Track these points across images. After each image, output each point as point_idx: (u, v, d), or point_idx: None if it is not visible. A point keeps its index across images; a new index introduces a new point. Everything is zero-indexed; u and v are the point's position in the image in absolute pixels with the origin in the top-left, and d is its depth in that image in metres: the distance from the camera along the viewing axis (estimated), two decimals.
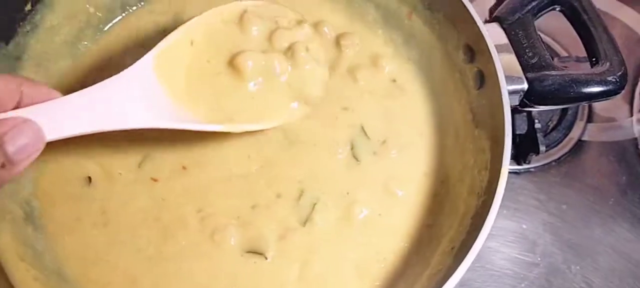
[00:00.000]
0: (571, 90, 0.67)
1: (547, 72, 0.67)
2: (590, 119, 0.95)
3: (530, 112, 0.87)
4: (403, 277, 0.67)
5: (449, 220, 0.68)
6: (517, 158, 0.90)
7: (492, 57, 0.66)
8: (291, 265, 0.67)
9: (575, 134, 0.93)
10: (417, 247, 0.69)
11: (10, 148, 0.48)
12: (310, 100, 0.72)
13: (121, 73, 0.61)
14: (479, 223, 0.60)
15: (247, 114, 0.69)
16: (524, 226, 0.87)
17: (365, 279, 0.67)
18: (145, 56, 0.64)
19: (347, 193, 0.70)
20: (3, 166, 0.48)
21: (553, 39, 0.98)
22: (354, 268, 0.67)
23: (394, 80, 0.78)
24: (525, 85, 0.67)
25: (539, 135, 0.84)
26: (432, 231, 0.69)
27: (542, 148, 0.84)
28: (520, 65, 0.68)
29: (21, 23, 0.71)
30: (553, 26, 0.93)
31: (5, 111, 0.51)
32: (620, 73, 0.67)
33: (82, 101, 0.57)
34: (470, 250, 0.58)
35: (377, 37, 0.82)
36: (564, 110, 0.94)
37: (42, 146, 0.52)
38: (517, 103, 0.69)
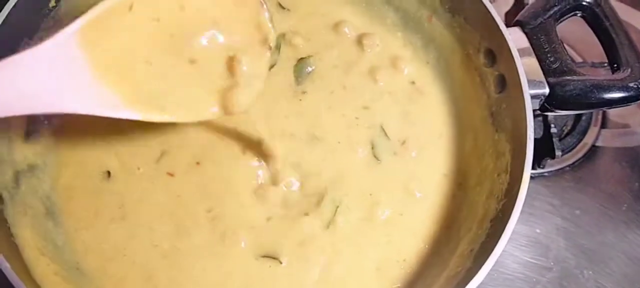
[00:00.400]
0: (593, 96, 0.67)
1: (568, 77, 0.68)
2: (604, 124, 0.95)
3: (546, 116, 0.87)
4: (421, 278, 0.67)
5: (467, 222, 0.69)
6: (531, 163, 0.90)
7: (514, 61, 0.67)
8: (311, 269, 0.67)
9: (589, 139, 0.94)
10: (436, 248, 0.69)
11: None
12: (232, 111, 0.67)
13: (36, 46, 0.55)
14: (499, 227, 0.61)
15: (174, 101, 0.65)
16: (538, 230, 0.87)
17: (385, 281, 0.67)
18: (68, 28, 0.57)
19: (370, 194, 0.71)
20: None
21: (567, 45, 0.98)
22: (374, 269, 0.67)
23: (413, 83, 0.79)
24: (546, 90, 0.67)
25: (555, 140, 0.84)
26: (450, 233, 0.70)
27: (558, 153, 0.84)
28: (542, 69, 0.68)
29: (44, 19, 0.71)
30: (567, 32, 0.93)
31: None
32: None
33: None
34: (491, 254, 0.58)
35: (397, 39, 0.82)
36: (578, 116, 0.94)
37: None
38: (538, 107, 0.69)
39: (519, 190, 0.61)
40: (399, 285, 0.67)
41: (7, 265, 0.55)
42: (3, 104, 0.52)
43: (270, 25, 0.66)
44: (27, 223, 0.65)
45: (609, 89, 0.67)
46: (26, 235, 0.64)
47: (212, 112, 0.66)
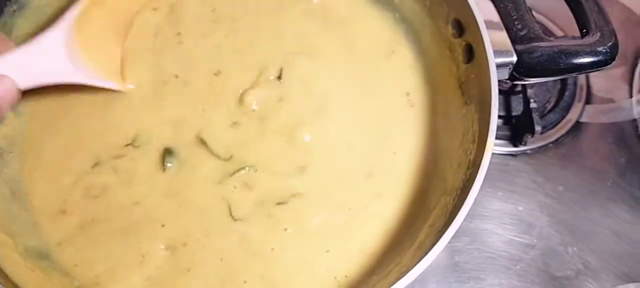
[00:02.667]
0: (561, 61, 0.66)
1: (536, 44, 0.67)
2: (588, 100, 0.94)
3: (526, 92, 0.86)
4: (392, 250, 0.67)
5: (436, 194, 0.68)
6: (513, 140, 0.89)
7: (480, 30, 0.65)
8: None
9: (573, 115, 0.92)
10: (408, 221, 0.69)
11: None
12: None
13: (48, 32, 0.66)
14: (463, 195, 0.59)
15: None
16: (520, 208, 0.86)
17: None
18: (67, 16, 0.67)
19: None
20: None
21: (547, 18, 0.97)
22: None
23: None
24: (514, 58, 0.66)
25: (535, 116, 0.84)
26: (422, 204, 0.69)
27: (538, 128, 0.83)
28: (509, 38, 0.67)
29: (8, 2, 0.71)
30: (547, 6, 0.92)
31: None
32: (610, 43, 0.66)
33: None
34: (453, 221, 0.57)
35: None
36: (562, 92, 0.93)
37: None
38: (507, 76, 0.68)
39: (482, 158, 0.59)
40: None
41: None
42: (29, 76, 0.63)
43: None
44: None
45: (578, 54, 0.66)
46: None
47: None
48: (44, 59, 0.64)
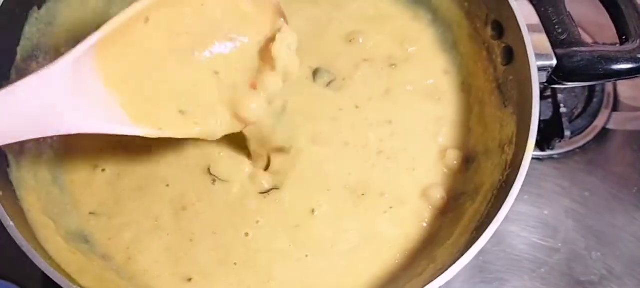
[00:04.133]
0: (600, 67, 0.66)
1: (576, 49, 0.67)
2: (615, 107, 0.94)
3: (556, 97, 0.86)
4: (425, 250, 0.67)
5: (472, 194, 0.69)
6: (541, 144, 0.89)
7: (521, 32, 0.66)
8: None
9: (600, 122, 0.93)
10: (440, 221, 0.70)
11: None
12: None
13: (51, 66, 0.51)
14: (502, 196, 0.60)
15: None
16: (546, 212, 0.86)
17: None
18: (82, 44, 0.54)
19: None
20: None
21: (578, 26, 0.97)
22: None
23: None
24: (554, 61, 0.67)
25: (565, 120, 0.84)
26: (456, 204, 0.70)
27: (567, 133, 0.83)
28: (549, 41, 0.68)
29: None
30: (578, 12, 0.92)
31: None
32: None
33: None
34: (493, 221, 0.58)
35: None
36: (589, 98, 0.93)
37: None
38: (545, 80, 0.68)
39: (523, 159, 0.60)
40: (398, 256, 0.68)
41: (12, 223, 0.56)
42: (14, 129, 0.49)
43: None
44: (32, 187, 0.66)
45: (617, 60, 0.66)
46: (31, 199, 0.64)
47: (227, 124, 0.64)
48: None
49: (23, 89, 0.48)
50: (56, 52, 0.71)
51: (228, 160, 0.72)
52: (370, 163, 0.72)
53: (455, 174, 0.72)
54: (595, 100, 0.93)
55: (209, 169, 0.71)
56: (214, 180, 0.71)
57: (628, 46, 0.67)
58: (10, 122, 0.48)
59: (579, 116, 0.92)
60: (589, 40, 0.96)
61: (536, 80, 0.63)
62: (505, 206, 0.58)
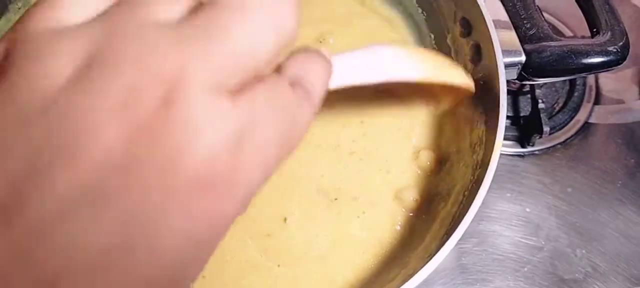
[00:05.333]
0: (571, 61, 0.65)
1: (545, 44, 0.66)
2: (597, 100, 0.93)
3: (534, 92, 0.85)
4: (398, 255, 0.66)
5: (444, 198, 0.67)
6: (521, 140, 0.88)
7: (488, 28, 0.65)
8: None
9: (582, 116, 0.91)
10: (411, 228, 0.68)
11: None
12: None
13: None
14: (471, 197, 0.59)
15: None
16: (528, 209, 0.85)
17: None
18: None
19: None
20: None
21: (558, 20, 0.96)
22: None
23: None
24: (522, 58, 0.65)
25: (543, 116, 0.83)
26: (428, 209, 0.69)
27: (546, 128, 0.82)
28: (518, 37, 0.67)
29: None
30: (558, 6, 0.91)
31: None
32: (621, 43, 0.65)
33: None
34: (461, 221, 0.56)
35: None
36: (570, 92, 0.92)
37: None
38: (515, 76, 0.67)
39: (491, 157, 0.59)
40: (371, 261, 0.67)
41: None
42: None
43: None
44: None
45: (588, 53, 0.65)
46: None
47: None
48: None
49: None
50: None
51: None
52: (343, 165, 0.71)
53: (428, 175, 0.71)
54: (576, 94, 0.91)
55: None
56: None
57: (599, 39, 0.66)
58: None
59: (559, 111, 0.91)
60: (569, 33, 0.95)
61: (503, 77, 0.62)
62: (473, 205, 0.57)
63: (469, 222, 0.57)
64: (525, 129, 0.86)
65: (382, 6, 0.80)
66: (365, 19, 0.79)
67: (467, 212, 0.57)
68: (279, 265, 0.66)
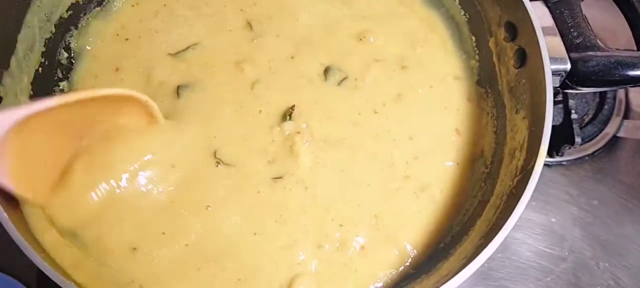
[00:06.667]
0: (616, 73, 0.64)
1: (591, 53, 0.65)
2: (627, 115, 0.92)
3: (567, 102, 0.84)
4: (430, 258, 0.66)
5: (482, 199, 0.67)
6: (550, 150, 0.87)
7: (535, 34, 0.64)
8: None
9: (610, 129, 0.91)
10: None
11: None
12: None
13: None
14: (512, 203, 0.58)
15: None
16: (553, 219, 0.84)
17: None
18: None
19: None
20: None
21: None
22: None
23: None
24: (568, 65, 0.65)
25: (575, 126, 0.82)
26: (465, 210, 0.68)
27: (578, 139, 0.81)
28: (564, 45, 0.66)
29: None
30: (594, 19, 0.91)
31: None
32: None
33: None
34: (502, 228, 0.56)
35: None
36: (600, 105, 0.91)
37: None
38: (559, 84, 0.66)
39: (534, 165, 0.58)
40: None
41: (5, 215, 0.54)
42: None
43: None
44: None
45: (634, 65, 0.64)
46: None
47: None
48: None
49: None
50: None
51: None
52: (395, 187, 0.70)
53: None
54: (606, 107, 0.91)
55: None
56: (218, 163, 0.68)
57: None
58: None
59: (589, 123, 0.90)
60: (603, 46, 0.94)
61: (550, 84, 0.62)
62: (514, 213, 0.57)
63: (510, 228, 0.57)
64: (555, 139, 0.86)
65: (422, 7, 0.80)
66: (404, 19, 0.79)
67: (507, 219, 0.57)
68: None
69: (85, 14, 0.74)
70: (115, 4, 0.76)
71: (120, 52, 0.74)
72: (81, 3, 0.73)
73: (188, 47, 0.74)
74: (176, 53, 0.74)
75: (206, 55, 0.74)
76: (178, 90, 0.71)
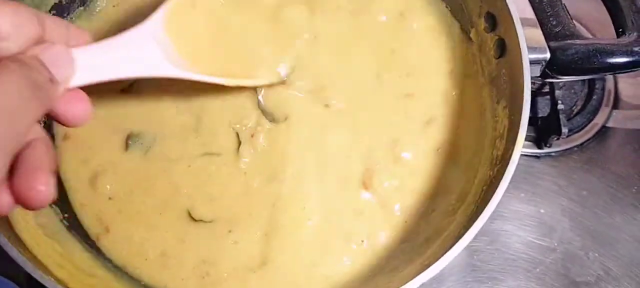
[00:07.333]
0: (595, 60, 0.64)
1: (570, 41, 0.65)
2: (616, 105, 0.92)
3: (554, 93, 0.84)
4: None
5: (463, 191, 0.67)
6: (538, 141, 0.88)
7: (514, 24, 0.64)
8: None
9: (599, 119, 0.91)
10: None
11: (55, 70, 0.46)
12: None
13: (134, 28, 0.59)
14: (490, 191, 0.58)
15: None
16: (542, 210, 0.85)
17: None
18: (153, 15, 0.61)
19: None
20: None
21: (578, 22, 0.95)
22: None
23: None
24: (547, 55, 0.65)
25: (562, 117, 0.82)
26: (445, 201, 0.68)
27: (565, 130, 0.81)
28: (543, 34, 0.66)
29: None
30: (578, 8, 0.91)
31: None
32: None
33: (106, 50, 0.54)
34: (480, 215, 0.56)
35: None
36: (589, 95, 0.91)
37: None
38: (539, 74, 0.67)
39: (512, 153, 0.58)
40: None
41: None
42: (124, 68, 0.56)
43: None
44: None
45: (613, 53, 0.65)
46: None
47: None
48: (132, 53, 0.57)
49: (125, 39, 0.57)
50: None
51: None
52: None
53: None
54: (594, 97, 0.91)
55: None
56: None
57: (624, 39, 0.66)
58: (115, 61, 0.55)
59: (578, 113, 0.90)
60: (588, 36, 0.94)
61: (528, 73, 0.62)
62: (492, 201, 0.57)
63: (488, 216, 0.57)
64: (543, 130, 0.86)
65: None
66: None
67: (485, 206, 0.57)
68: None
69: (68, 14, 0.75)
70: (97, 3, 0.77)
71: None
72: (64, 3, 0.73)
73: None
74: None
75: None
76: None
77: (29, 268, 0.52)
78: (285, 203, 0.67)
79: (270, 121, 0.70)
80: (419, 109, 0.72)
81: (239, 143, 0.69)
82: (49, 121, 0.69)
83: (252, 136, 0.69)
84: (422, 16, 0.76)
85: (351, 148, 0.70)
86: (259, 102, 0.70)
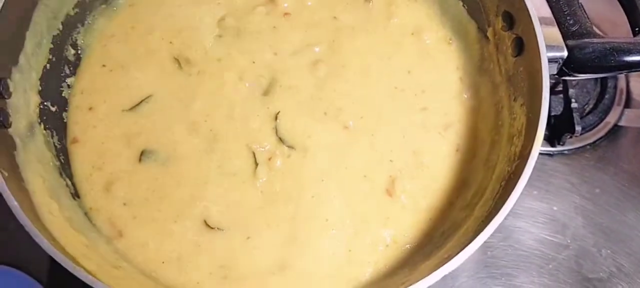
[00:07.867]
0: (612, 58, 0.65)
1: (587, 40, 0.66)
2: (628, 104, 0.93)
3: (567, 92, 0.85)
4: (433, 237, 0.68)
5: (481, 185, 0.68)
6: (551, 139, 0.88)
7: (532, 23, 0.65)
8: None
9: (612, 118, 0.91)
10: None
11: None
12: None
13: None
14: (509, 187, 0.59)
15: None
16: (555, 208, 0.85)
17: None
18: None
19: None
20: None
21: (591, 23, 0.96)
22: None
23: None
24: (564, 53, 0.66)
25: (576, 116, 0.83)
26: (465, 195, 0.70)
27: (578, 128, 0.82)
28: (561, 32, 0.67)
29: None
30: (590, 8, 0.91)
31: None
32: None
33: None
34: (500, 210, 0.57)
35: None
36: (601, 94, 0.92)
37: None
38: (556, 72, 0.67)
39: (531, 150, 0.59)
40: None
41: (16, 203, 0.55)
42: None
43: None
44: (38, 170, 0.65)
45: (629, 51, 0.65)
46: (37, 182, 0.64)
47: None
48: None
49: None
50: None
51: None
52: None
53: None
54: (607, 96, 0.92)
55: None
56: None
57: None
58: None
59: (590, 112, 0.91)
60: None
61: (546, 71, 0.63)
62: (511, 197, 0.58)
63: (507, 212, 0.58)
64: (556, 128, 0.87)
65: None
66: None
67: (505, 201, 0.58)
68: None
69: (91, 12, 0.76)
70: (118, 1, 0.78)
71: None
72: (87, 1, 0.75)
73: None
74: None
75: None
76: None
77: (60, 258, 0.53)
78: (305, 218, 0.68)
79: (289, 147, 0.71)
80: (435, 119, 0.74)
81: (256, 164, 0.70)
82: (56, 126, 0.71)
83: (269, 159, 0.70)
84: (437, 30, 0.79)
85: (372, 162, 0.71)
86: (276, 129, 0.71)
